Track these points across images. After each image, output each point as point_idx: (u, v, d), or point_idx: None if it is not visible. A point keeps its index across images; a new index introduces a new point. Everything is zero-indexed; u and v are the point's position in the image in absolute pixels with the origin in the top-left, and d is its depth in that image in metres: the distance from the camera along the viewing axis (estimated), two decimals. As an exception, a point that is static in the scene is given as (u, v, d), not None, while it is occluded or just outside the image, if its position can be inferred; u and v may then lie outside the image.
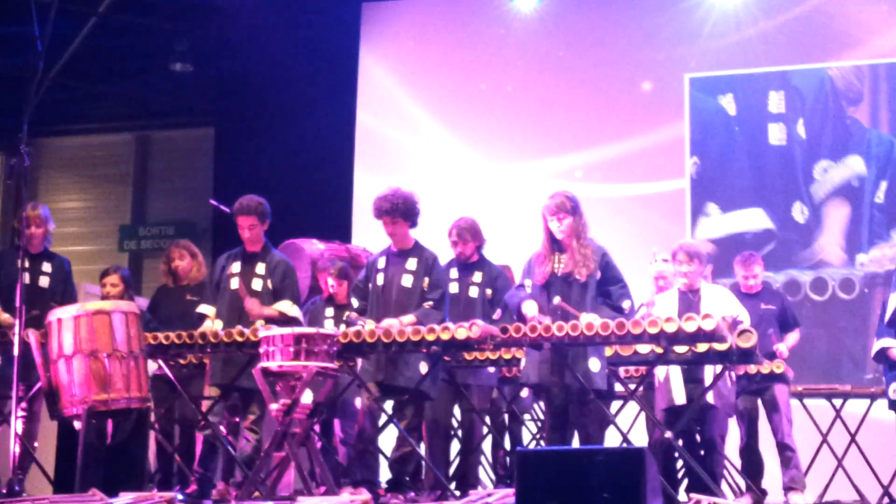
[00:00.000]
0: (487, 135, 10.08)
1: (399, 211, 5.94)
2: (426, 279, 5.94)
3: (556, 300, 5.51)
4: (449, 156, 10.16)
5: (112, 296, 6.92)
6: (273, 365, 5.34)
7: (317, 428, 6.46)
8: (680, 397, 6.15)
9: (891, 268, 7.18)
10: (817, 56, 9.37)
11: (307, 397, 5.39)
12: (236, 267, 6.23)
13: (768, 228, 9.36)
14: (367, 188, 9.84)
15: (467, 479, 6.42)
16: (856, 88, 9.31)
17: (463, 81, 10.20)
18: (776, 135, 9.44)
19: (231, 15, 10.06)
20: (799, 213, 9.32)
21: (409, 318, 5.79)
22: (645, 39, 9.72)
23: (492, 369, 6.52)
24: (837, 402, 7.71)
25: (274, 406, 5.35)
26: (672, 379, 6.19)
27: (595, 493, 4.23)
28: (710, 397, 6.07)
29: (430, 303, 5.90)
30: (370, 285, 6.02)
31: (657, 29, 9.68)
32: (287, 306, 6.11)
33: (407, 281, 5.95)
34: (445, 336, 5.58)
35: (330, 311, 7.00)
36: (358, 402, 6.61)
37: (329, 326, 6.71)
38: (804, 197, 9.31)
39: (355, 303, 6.03)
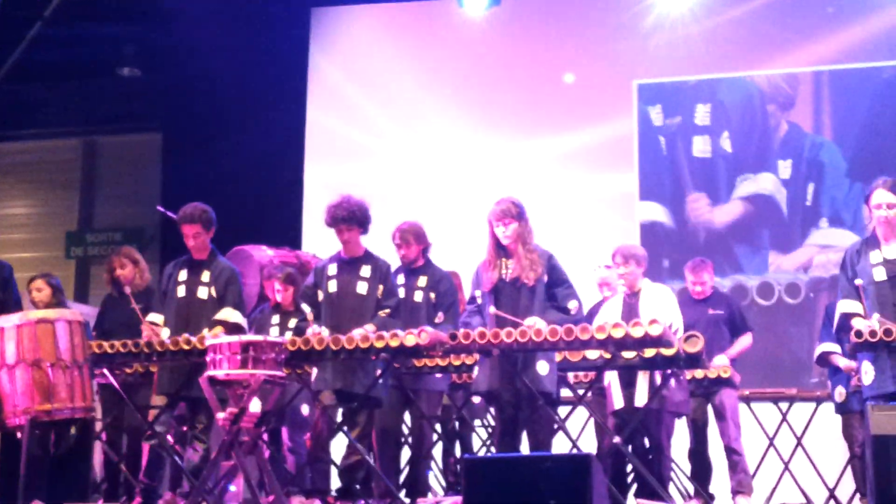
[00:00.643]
0: (440, 138, 10.10)
1: (355, 219, 5.94)
2: (381, 287, 5.94)
3: (492, 310, 5.54)
4: (402, 160, 10.15)
5: (38, 300, 6.85)
6: (220, 373, 5.29)
7: (265, 437, 6.42)
8: (618, 402, 6.20)
9: (835, 272, 7.29)
10: (751, 63, 9.49)
11: (255, 406, 5.35)
12: (183, 275, 6.17)
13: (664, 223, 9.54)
14: (317, 194, 9.82)
15: (417, 487, 6.41)
16: (785, 93, 9.46)
17: (416, 86, 10.20)
18: (700, 147, 9.56)
19: (180, 19, 9.97)
20: (720, 225, 9.46)
21: (370, 327, 5.77)
22: (594, 46, 9.78)
23: (440, 375, 6.51)
24: (784, 405, 7.80)
25: (221, 415, 5.30)
26: (612, 384, 6.24)
27: (542, 499, 4.25)
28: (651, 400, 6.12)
29: (387, 311, 5.90)
30: (320, 292, 5.99)
31: (605, 35, 9.75)
32: (228, 313, 6.07)
33: (362, 288, 5.93)
34: (394, 343, 5.57)
35: (276, 319, 6.95)
36: (305, 410, 6.59)
37: (274, 334, 6.66)
38: (724, 210, 9.47)
39: (307, 309, 6.00)
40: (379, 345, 5.59)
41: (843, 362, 6.97)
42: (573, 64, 9.85)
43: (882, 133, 9.17)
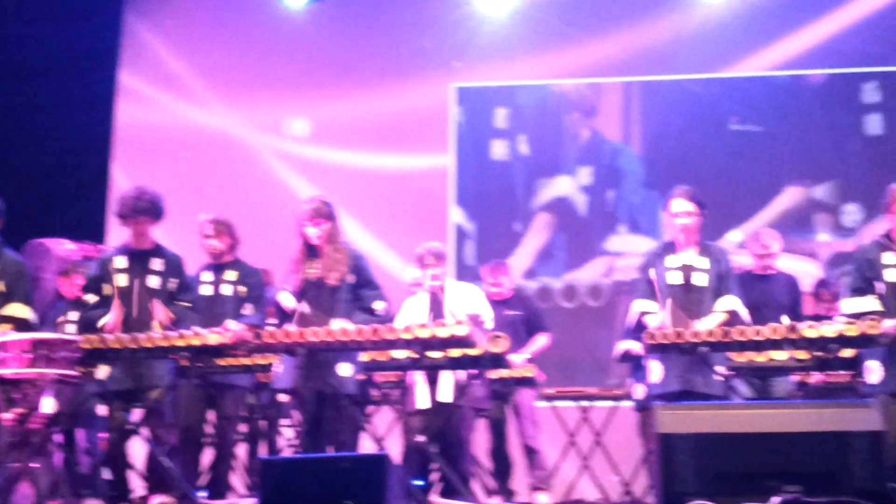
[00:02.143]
0: (258, 130, 9.92)
1: (154, 210, 5.80)
2: (174, 280, 5.83)
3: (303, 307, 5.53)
4: (218, 149, 9.88)
5: None
6: (8, 372, 5.05)
7: (59, 438, 6.16)
8: (422, 401, 6.27)
9: (636, 276, 7.59)
10: (560, 71, 9.73)
11: (47, 406, 5.13)
12: (-36, 269, 5.86)
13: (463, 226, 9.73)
14: (124, 186, 9.51)
15: (219, 488, 6.30)
16: (588, 101, 9.77)
17: (233, 74, 9.96)
18: (499, 150, 9.78)
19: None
20: (518, 228, 9.70)
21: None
22: (412, 43, 9.81)
23: (246, 375, 6.41)
24: (584, 404, 8.04)
25: (7, 415, 5.05)
26: (417, 383, 6.29)
27: (338, 499, 4.25)
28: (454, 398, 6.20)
29: (188, 304, 5.79)
30: (106, 285, 5.79)
31: (424, 34, 9.80)
32: (17, 308, 5.79)
33: (154, 282, 5.80)
34: (196, 342, 5.46)
35: (74, 315, 6.68)
36: (102, 410, 6.37)
37: (73, 331, 6.41)
38: (520, 213, 9.70)
39: (92, 299, 5.81)
40: (180, 343, 5.47)
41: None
42: (391, 63, 9.84)
43: (684, 143, 9.57)
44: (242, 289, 6.35)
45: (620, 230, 9.54)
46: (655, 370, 5.67)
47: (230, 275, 6.36)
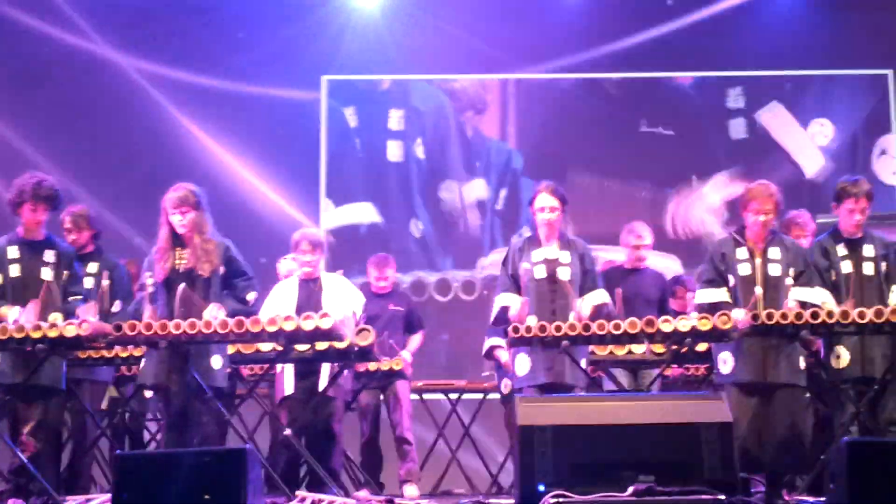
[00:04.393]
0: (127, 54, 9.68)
1: (53, 200, 5.67)
2: (66, 273, 5.72)
3: (181, 287, 5.43)
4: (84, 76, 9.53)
5: None
6: None
7: None
8: (289, 387, 6.20)
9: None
10: (443, 68, 9.79)
11: None
12: None
13: (376, 222, 9.73)
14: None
15: (78, 483, 6.17)
16: (480, 98, 9.86)
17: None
18: (394, 152, 9.80)
19: None
20: (415, 228, 9.73)
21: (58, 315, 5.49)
22: (285, 40, 9.69)
23: (107, 368, 6.29)
24: (454, 396, 8.12)
25: None
26: (285, 370, 6.25)
27: (196, 494, 4.21)
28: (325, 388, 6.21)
29: (80, 297, 5.68)
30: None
31: (298, 28, 9.70)
32: None
33: (47, 274, 5.66)
34: (53, 334, 5.32)
35: None
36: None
37: None
38: (420, 214, 9.73)
39: None
40: (36, 335, 5.32)
41: (505, 358, 7.33)
42: (266, 60, 9.67)
43: (557, 140, 9.73)
44: (106, 283, 6.22)
45: (524, 233, 9.61)
46: (523, 363, 5.77)
47: (92, 267, 6.26)
